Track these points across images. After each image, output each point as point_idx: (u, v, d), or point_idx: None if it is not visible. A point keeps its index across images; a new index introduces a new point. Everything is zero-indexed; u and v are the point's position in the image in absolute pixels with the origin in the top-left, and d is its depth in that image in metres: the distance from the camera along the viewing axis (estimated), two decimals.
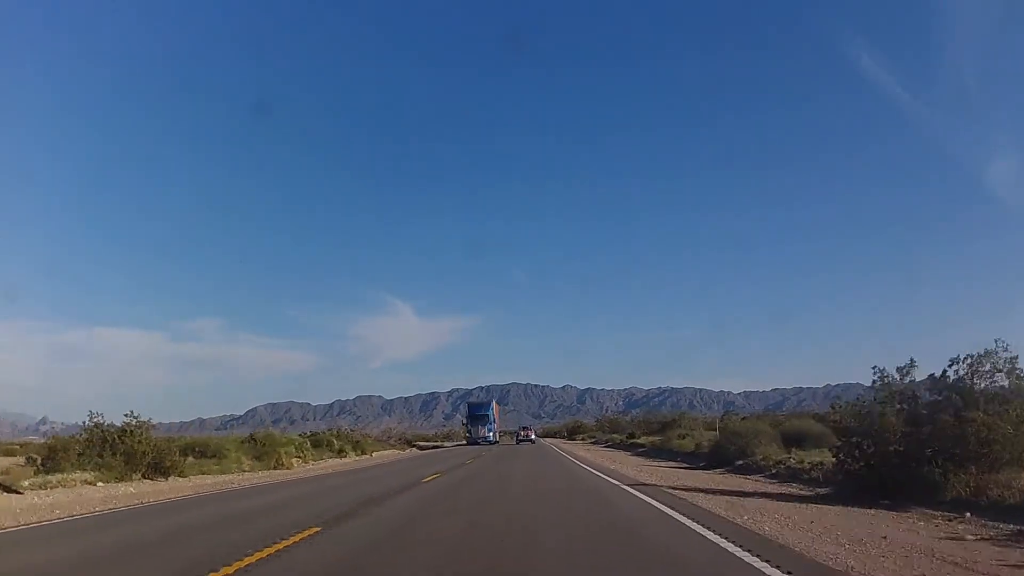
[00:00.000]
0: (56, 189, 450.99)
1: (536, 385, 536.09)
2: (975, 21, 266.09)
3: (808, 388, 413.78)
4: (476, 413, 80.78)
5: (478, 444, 71.77)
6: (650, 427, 56.47)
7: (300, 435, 47.88)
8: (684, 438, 35.93)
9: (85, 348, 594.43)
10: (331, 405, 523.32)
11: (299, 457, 37.22)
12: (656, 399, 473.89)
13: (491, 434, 77.24)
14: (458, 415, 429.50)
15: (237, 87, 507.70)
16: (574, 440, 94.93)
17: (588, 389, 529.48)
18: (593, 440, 76.27)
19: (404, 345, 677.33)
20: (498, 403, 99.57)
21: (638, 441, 46.97)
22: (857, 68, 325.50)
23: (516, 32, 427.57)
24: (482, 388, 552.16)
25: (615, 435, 63.52)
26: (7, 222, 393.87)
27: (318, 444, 45.36)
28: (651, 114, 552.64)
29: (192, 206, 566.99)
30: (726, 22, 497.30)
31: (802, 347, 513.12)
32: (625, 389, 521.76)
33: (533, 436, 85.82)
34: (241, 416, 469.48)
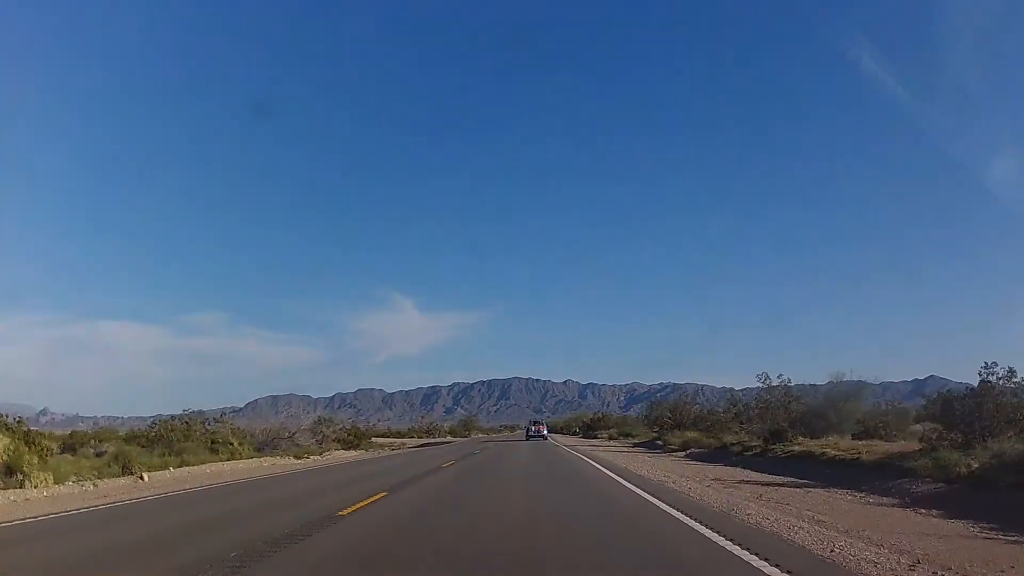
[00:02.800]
0: (60, 183, 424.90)
1: (538, 380, 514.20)
2: (975, 21, 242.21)
3: (811, 385, 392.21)
4: None
5: None
6: (777, 421, 26.69)
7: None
8: None
9: (87, 341, 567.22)
10: (332, 398, 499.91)
11: None
12: (658, 394, 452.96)
13: None
14: (459, 409, 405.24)
15: (240, 85, 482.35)
16: (596, 438, 66.29)
17: (590, 384, 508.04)
18: (635, 441, 48.47)
19: (406, 340, 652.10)
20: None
21: (790, 451, 18.89)
22: (858, 68, 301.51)
23: (518, 32, 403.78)
24: (483, 382, 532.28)
25: (688, 434, 35.06)
26: (11, 216, 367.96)
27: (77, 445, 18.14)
28: (655, 114, 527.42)
29: (196, 201, 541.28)
30: (727, 23, 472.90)
31: (803, 344, 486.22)
32: (627, 384, 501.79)
33: (545, 432, 67.27)
34: (241, 408, 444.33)
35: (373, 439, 52.48)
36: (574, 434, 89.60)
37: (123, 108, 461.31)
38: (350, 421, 58.65)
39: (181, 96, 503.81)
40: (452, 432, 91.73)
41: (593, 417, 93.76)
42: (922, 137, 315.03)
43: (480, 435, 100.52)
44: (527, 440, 60.63)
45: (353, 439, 45.72)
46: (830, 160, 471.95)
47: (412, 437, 78.69)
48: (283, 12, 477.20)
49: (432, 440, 70.77)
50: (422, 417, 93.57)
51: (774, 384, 29.66)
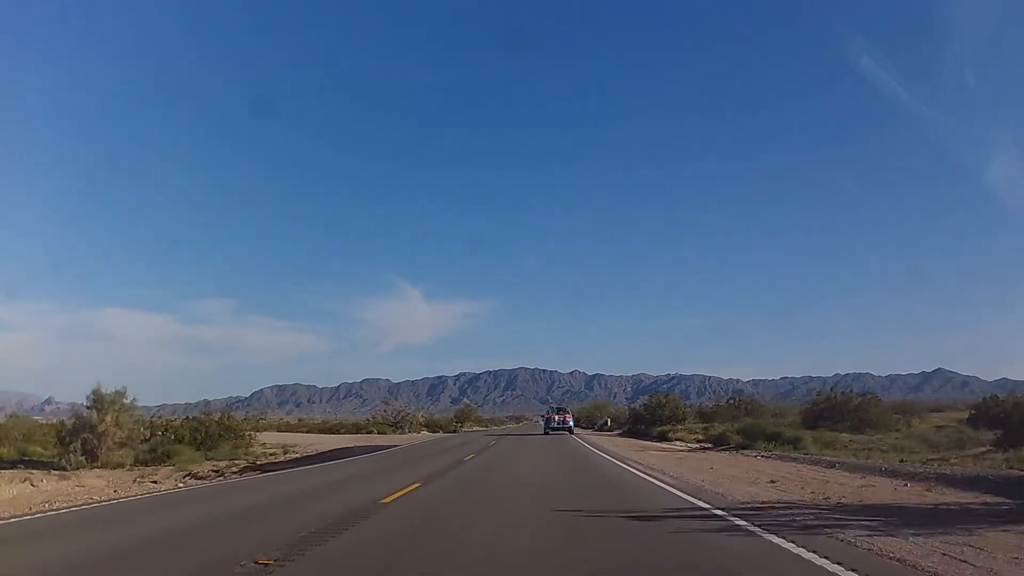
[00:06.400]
0: (69, 172, 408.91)
1: (544, 370, 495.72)
2: (975, 21, 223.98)
3: (818, 377, 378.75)
4: None
5: None
6: None
7: None
8: None
9: (94, 329, 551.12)
10: (337, 388, 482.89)
11: None
12: (664, 386, 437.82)
13: None
14: (465, 399, 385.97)
15: (248, 77, 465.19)
16: (668, 441, 36.06)
17: (596, 375, 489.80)
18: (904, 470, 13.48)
19: (412, 329, 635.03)
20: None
21: None
22: (857, 68, 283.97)
23: (523, 22, 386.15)
24: (490, 372, 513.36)
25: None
26: (18, 204, 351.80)
27: None
28: (659, 106, 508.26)
29: (204, 190, 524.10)
30: (729, 21, 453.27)
31: (810, 337, 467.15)
32: (633, 375, 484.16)
33: (571, 423, 51.57)
34: (247, 398, 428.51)
35: (262, 434, 32.28)
36: (604, 429, 66.72)
37: (129, 97, 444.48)
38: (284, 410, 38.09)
39: (186, 85, 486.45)
40: (430, 425, 68.27)
41: (650, 401, 54.74)
42: (922, 135, 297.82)
43: (477, 428, 79.87)
44: (545, 435, 47.37)
45: (202, 440, 25.29)
46: (830, 158, 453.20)
47: (372, 432, 57.75)
48: (290, 5, 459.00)
49: (370, 445, 35.96)
50: (387, 404, 72.43)
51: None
